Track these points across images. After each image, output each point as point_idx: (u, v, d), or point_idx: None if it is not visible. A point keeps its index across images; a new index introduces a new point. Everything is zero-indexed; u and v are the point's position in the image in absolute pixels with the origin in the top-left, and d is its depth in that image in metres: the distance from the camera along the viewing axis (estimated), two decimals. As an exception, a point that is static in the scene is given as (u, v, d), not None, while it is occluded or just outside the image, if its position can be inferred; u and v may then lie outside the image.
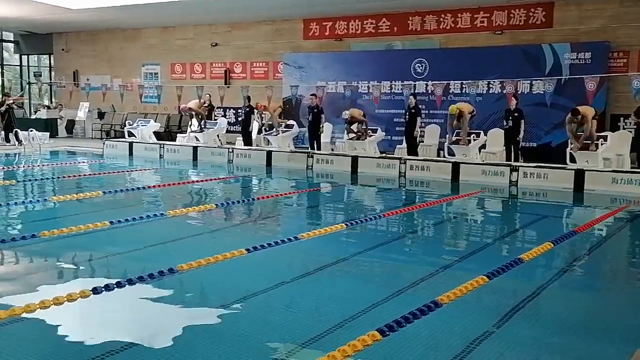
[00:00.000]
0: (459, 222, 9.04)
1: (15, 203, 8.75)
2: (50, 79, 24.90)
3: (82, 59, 23.20)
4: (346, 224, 7.60)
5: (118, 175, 12.88)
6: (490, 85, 15.13)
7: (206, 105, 17.57)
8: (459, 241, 7.50)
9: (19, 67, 25.61)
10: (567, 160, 12.13)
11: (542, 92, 14.52)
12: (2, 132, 17.95)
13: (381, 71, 16.47)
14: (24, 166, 13.98)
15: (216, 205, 9.08)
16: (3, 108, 17.93)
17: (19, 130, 17.08)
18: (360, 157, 13.72)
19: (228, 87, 19.39)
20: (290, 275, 5.44)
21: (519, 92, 14.45)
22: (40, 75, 24.89)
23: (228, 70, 19.75)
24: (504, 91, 14.70)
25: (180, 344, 3.86)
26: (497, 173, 12.00)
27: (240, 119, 17.63)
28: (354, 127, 14.93)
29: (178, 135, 18.37)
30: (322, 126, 15.13)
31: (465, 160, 12.80)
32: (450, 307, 4.53)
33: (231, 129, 18.39)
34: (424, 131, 15.00)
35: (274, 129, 15.93)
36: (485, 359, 3.76)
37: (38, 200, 9.25)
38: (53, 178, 11.77)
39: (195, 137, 16.80)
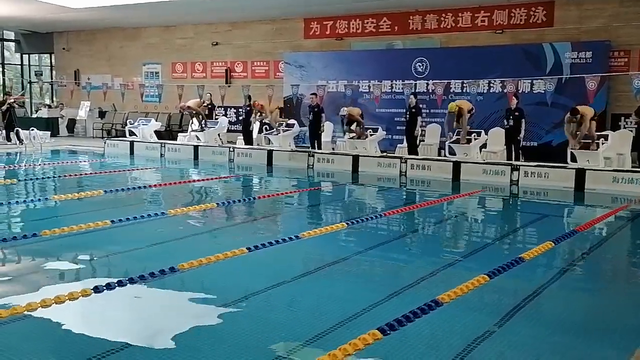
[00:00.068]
0: (460, 221, 9.04)
1: (17, 202, 8.75)
2: (51, 78, 24.91)
3: (83, 58, 23.21)
4: (347, 223, 7.60)
5: (119, 175, 12.90)
6: (491, 85, 15.12)
7: (205, 104, 17.55)
8: (459, 240, 7.51)
9: (20, 67, 25.61)
10: (568, 160, 12.12)
11: (543, 92, 14.52)
12: (4, 131, 17.96)
13: (382, 70, 16.47)
14: (25, 165, 14.00)
15: (217, 204, 9.09)
16: (4, 107, 17.94)
17: (20, 130, 17.10)
18: (361, 156, 13.73)
19: (229, 86, 19.39)
20: (291, 274, 5.44)
21: (520, 92, 14.45)
22: (41, 75, 24.90)
23: (229, 70, 19.76)
24: (505, 90, 14.70)
25: (182, 342, 3.87)
26: (498, 172, 12.00)
27: (241, 118, 17.62)
28: (353, 126, 14.91)
29: (179, 134, 18.39)
30: (323, 125, 15.13)
31: (466, 160, 12.80)
32: (451, 306, 4.53)
33: (232, 128, 18.39)
34: (424, 130, 14.99)
35: (274, 129, 15.92)
36: (486, 358, 3.76)
37: (39, 199, 9.26)
38: (54, 177, 11.78)
39: (196, 136, 16.81)
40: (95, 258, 6.01)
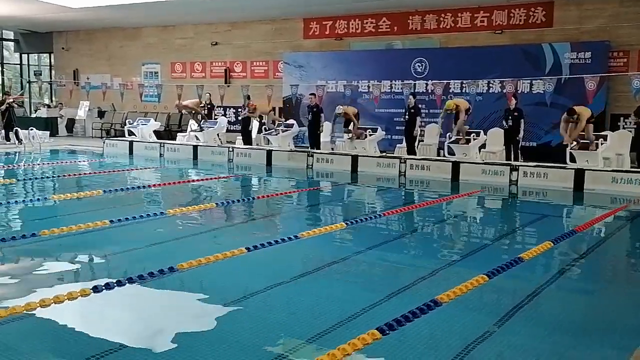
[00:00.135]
0: (459, 221, 9.04)
1: (16, 202, 8.75)
2: (51, 78, 24.90)
3: (82, 57, 23.20)
4: (346, 223, 7.61)
5: (118, 174, 12.89)
6: (490, 85, 15.13)
7: (202, 105, 17.51)
8: (458, 240, 7.51)
9: (19, 66, 25.61)
10: (567, 160, 12.12)
11: (542, 92, 14.53)
12: (3, 131, 17.94)
13: (381, 70, 16.48)
14: (24, 165, 14.00)
15: (216, 204, 9.09)
16: (3, 107, 17.93)
17: (19, 129, 17.08)
18: (361, 156, 13.73)
19: (228, 86, 19.39)
20: (290, 274, 5.44)
21: (519, 92, 14.45)
22: (41, 74, 24.90)
23: (228, 70, 19.76)
24: (504, 90, 14.70)
25: (181, 342, 3.87)
26: (497, 172, 12.01)
27: (240, 118, 17.61)
28: (350, 126, 14.90)
29: (178, 134, 18.39)
30: (322, 125, 15.13)
31: (465, 160, 12.81)
32: (450, 306, 4.54)
33: (231, 128, 18.39)
34: (423, 130, 15.00)
35: (273, 129, 15.91)
36: (485, 359, 3.76)
37: (38, 199, 9.26)
38: (53, 177, 11.77)
39: (196, 136, 16.81)
40: (94, 258, 6.00)
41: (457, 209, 10.07)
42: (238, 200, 9.73)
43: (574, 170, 11.36)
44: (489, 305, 4.93)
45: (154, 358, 3.67)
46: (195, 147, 15.95)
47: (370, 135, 14.62)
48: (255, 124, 16.46)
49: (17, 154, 15.86)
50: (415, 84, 15.96)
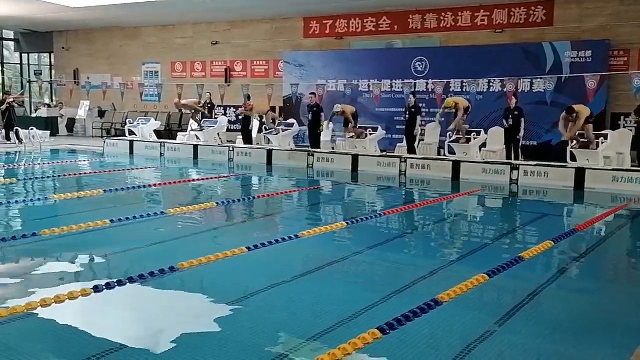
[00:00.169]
0: (460, 220, 9.04)
1: (16, 201, 8.75)
2: (51, 77, 24.90)
3: (82, 57, 23.20)
4: (346, 222, 7.61)
5: (118, 174, 12.89)
6: (491, 84, 15.12)
7: (200, 104, 17.50)
8: (459, 239, 7.50)
9: (19, 66, 25.60)
10: (568, 159, 12.12)
11: (543, 91, 14.53)
12: (3, 131, 17.95)
13: (381, 69, 16.47)
14: (24, 164, 13.99)
15: (217, 203, 9.08)
16: (3, 106, 17.94)
17: (19, 129, 17.08)
18: (361, 155, 13.72)
19: (228, 85, 19.38)
20: (291, 273, 5.44)
21: (519, 91, 14.46)
22: (41, 74, 24.88)
23: (228, 69, 19.75)
24: (504, 89, 14.70)
25: (181, 342, 3.87)
26: (497, 171, 12.00)
27: (240, 117, 17.60)
28: (349, 126, 14.90)
29: (178, 133, 18.38)
30: (322, 124, 15.12)
31: (465, 159, 12.80)
32: (451, 305, 4.53)
33: (231, 127, 18.38)
34: (424, 129, 15.00)
35: (272, 128, 15.91)
36: (485, 358, 3.76)
37: (38, 199, 9.26)
38: (53, 176, 11.77)
39: (196, 136, 16.80)
40: (94, 257, 6.00)
41: (457, 207, 10.07)
42: (238, 200, 9.73)
43: (574, 169, 11.35)
44: (490, 304, 4.94)
45: (154, 358, 3.67)
46: (195, 147, 15.95)
47: (370, 134, 14.62)
48: (255, 123, 16.45)
49: (17, 153, 15.86)
50: (415, 83, 15.95)
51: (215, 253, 5.71)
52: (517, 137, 13.01)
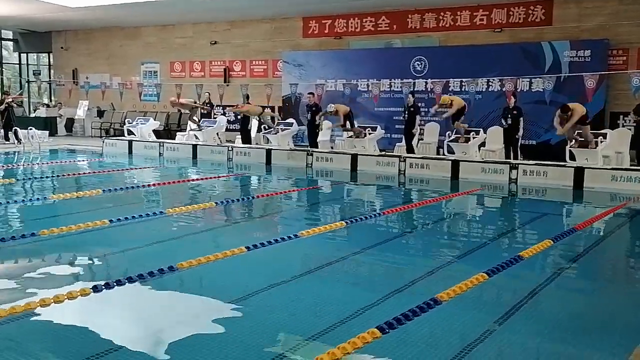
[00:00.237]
0: (459, 219, 9.04)
1: (15, 202, 8.74)
2: (50, 78, 24.89)
3: (81, 57, 23.18)
4: (346, 222, 7.61)
5: (117, 174, 12.88)
6: (490, 83, 15.13)
7: (196, 106, 17.48)
8: (458, 238, 7.50)
9: (18, 66, 25.59)
10: (567, 158, 12.13)
11: (542, 90, 14.53)
12: (2, 131, 17.95)
13: (380, 69, 16.47)
14: (23, 165, 13.99)
15: (216, 203, 9.08)
16: (2, 106, 17.94)
17: (18, 129, 17.06)
18: (360, 155, 13.72)
19: (227, 85, 19.38)
20: (290, 273, 5.44)
21: (519, 90, 14.46)
22: (40, 74, 24.87)
23: (227, 69, 19.75)
24: (504, 89, 14.70)
25: (181, 341, 3.87)
26: (496, 171, 12.01)
27: (239, 117, 17.60)
28: (348, 125, 14.91)
29: (177, 133, 18.37)
30: (321, 124, 15.11)
31: (464, 158, 12.80)
32: (450, 304, 4.54)
33: (230, 127, 18.38)
34: (423, 129, 15.00)
35: (272, 128, 15.90)
36: (485, 357, 3.76)
37: (37, 199, 9.25)
38: (52, 176, 11.76)
39: (195, 135, 16.80)
40: (93, 257, 6.00)
41: (456, 207, 10.08)
42: (238, 200, 9.73)
43: (573, 169, 11.36)
44: (489, 303, 4.94)
45: (153, 358, 3.67)
46: (194, 146, 15.94)
47: (369, 134, 14.62)
48: (254, 123, 16.45)
49: (16, 153, 15.85)
50: (414, 82, 15.95)
51: (214, 253, 5.71)
52: (516, 136, 13.01)
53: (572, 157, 12.04)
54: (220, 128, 17.05)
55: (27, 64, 25.44)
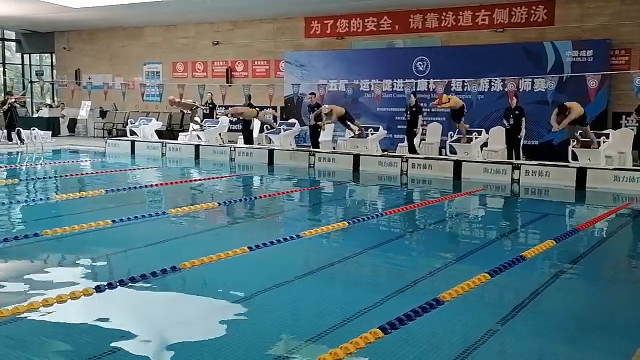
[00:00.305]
0: (461, 219, 9.04)
1: (18, 202, 8.76)
2: (52, 78, 24.92)
3: (84, 57, 23.22)
4: (348, 222, 7.61)
5: (120, 174, 12.90)
6: (492, 83, 15.11)
7: (195, 107, 17.48)
8: (460, 239, 7.51)
9: (20, 66, 25.63)
10: (569, 158, 12.12)
11: (544, 90, 14.51)
12: (5, 131, 17.97)
13: (383, 69, 16.47)
14: (26, 165, 14.01)
15: (218, 203, 9.09)
16: (5, 107, 17.97)
17: (21, 129, 17.10)
18: (362, 155, 13.72)
19: (230, 85, 19.39)
20: (293, 273, 5.44)
21: (521, 90, 14.45)
22: (42, 74, 24.91)
23: (229, 69, 19.76)
24: (506, 89, 14.69)
25: (183, 341, 3.88)
26: (499, 171, 12.00)
27: (241, 118, 17.61)
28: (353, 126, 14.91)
29: (180, 133, 18.39)
30: (323, 125, 15.11)
31: (467, 159, 12.80)
32: (453, 304, 4.54)
33: (233, 128, 18.39)
34: (425, 129, 14.99)
35: (274, 128, 15.90)
36: (487, 357, 3.77)
37: (40, 199, 9.28)
38: (55, 177, 11.78)
39: (197, 136, 16.82)
40: (96, 258, 6.01)
41: (459, 207, 10.07)
42: (240, 200, 9.74)
43: (576, 169, 11.34)
44: (491, 303, 4.94)
45: (156, 358, 3.68)
46: (197, 147, 15.96)
47: (372, 134, 14.61)
48: (256, 123, 16.46)
49: (19, 154, 15.88)
50: (416, 82, 15.95)
51: (217, 253, 5.71)
52: (518, 136, 13.00)
53: (575, 158, 12.03)
54: (223, 128, 17.07)
55: (30, 65, 25.48)
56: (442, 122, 15.12)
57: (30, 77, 25.18)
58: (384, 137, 15.21)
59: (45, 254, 6.11)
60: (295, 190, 11.35)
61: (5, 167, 12.94)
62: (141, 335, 4.01)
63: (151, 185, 10.96)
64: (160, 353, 3.73)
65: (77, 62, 23.38)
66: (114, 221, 7.20)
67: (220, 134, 16.89)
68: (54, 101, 24.49)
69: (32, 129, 16.74)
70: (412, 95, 14.65)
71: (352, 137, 14.72)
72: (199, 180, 12.68)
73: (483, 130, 13.64)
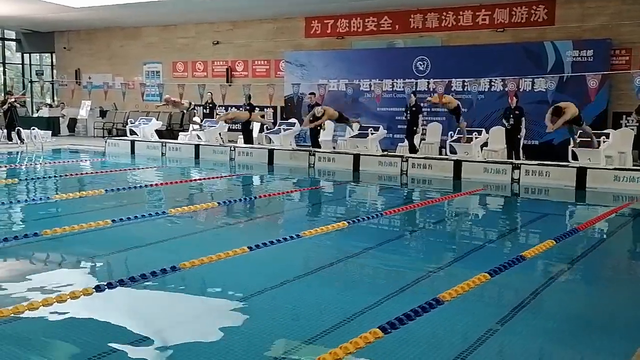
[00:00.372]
0: (461, 219, 9.04)
1: (18, 201, 8.76)
2: (52, 78, 24.93)
3: (84, 57, 23.22)
4: (348, 222, 7.60)
5: (120, 174, 12.90)
6: (492, 83, 15.11)
7: (189, 109, 17.48)
8: (460, 239, 7.50)
9: (20, 66, 25.64)
10: (569, 158, 12.11)
11: (544, 90, 14.50)
12: (5, 131, 17.98)
13: (383, 69, 16.47)
14: (26, 165, 14.01)
15: (218, 203, 9.08)
16: (5, 107, 17.97)
17: (21, 129, 17.11)
18: (362, 155, 13.71)
19: (230, 85, 19.39)
20: (293, 273, 5.44)
21: (521, 90, 14.45)
22: (42, 74, 24.91)
23: (230, 69, 19.76)
24: (506, 89, 14.69)
25: (183, 341, 3.88)
26: (499, 171, 11.99)
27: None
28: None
29: (180, 133, 18.38)
30: (323, 125, 15.11)
31: (467, 158, 12.79)
32: (452, 304, 4.53)
33: (233, 127, 18.38)
34: (425, 129, 14.99)
35: (274, 127, 15.91)
36: (487, 357, 3.76)
37: (40, 199, 9.27)
38: (55, 176, 11.78)
39: (197, 136, 16.82)
40: (96, 257, 6.00)
41: (459, 207, 10.07)
42: (240, 200, 9.74)
43: (576, 169, 11.34)
44: (491, 303, 4.94)
45: (155, 357, 3.68)
46: (196, 147, 15.95)
47: (372, 134, 14.61)
48: (256, 123, 16.46)
49: (19, 153, 15.88)
50: (416, 82, 15.95)
51: (217, 253, 5.71)
52: (518, 136, 13.00)
53: (575, 157, 12.02)
54: (223, 128, 17.06)
55: (30, 64, 25.49)
56: (442, 122, 15.12)
57: (31, 76, 25.19)
58: (384, 137, 15.21)
59: (45, 253, 6.10)
60: (295, 190, 11.35)
61: (5, 166, 12.93)
62: (140, 335, 4.01)
63: (151, 185, 10.95)
64: (160, 353, 3.73)
65: (77, 61, 23.39)
66: (113, 221, 7.20)
67: (220, 134, 16.90)
68: (54, 101, 24.50)
69: (32, 128, 16.74)
70: (412, 95, 14.64)
71: (351, 136, 14.70)
72: (199, 180, 12.68)
73: (483, 130, 13.64)
